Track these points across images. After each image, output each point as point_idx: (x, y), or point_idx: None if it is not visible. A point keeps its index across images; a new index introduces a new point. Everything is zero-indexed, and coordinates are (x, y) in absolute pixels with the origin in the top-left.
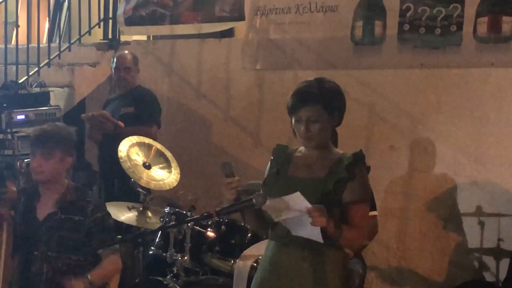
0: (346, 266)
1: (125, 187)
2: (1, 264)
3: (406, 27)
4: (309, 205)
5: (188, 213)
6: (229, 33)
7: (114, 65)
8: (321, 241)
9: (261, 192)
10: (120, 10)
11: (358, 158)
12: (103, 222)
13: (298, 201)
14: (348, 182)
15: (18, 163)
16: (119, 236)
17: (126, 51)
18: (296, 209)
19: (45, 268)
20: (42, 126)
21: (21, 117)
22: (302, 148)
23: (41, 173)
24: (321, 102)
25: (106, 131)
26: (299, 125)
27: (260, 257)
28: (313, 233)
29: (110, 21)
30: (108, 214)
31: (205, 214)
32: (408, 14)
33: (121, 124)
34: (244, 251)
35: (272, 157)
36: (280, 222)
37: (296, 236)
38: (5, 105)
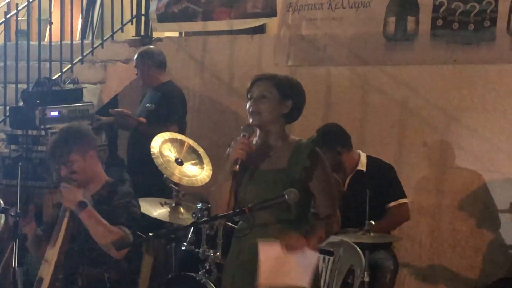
0: None
1: (152, 182)
2: (57, 249)
3: (439, 22)
4: (278, 244)
5: None
6: (260, 29)
7: None
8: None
9: (292, 189)
10: (152, 7)
11: (317, 145)
12: (125, 209)
13: (269, 250)
14: (312, 170)
15: None
16: (150, 233)
17: (137, 51)
18: (275, 257)
19: (80, 262)
20: (52, 139)
21: (54, 113)
22: (256, 139)
23: (75, 179)
24: (272, 79)
25: (130, 127)
26: (249, 103)
27: None
28: (310, 260)
29: (143, 17)
30: (133, 204)
31: (238, 210)
32: (441, 10)
33: (142, 120)
34: None
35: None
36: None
37: (259, 226)
38: (38, 101)
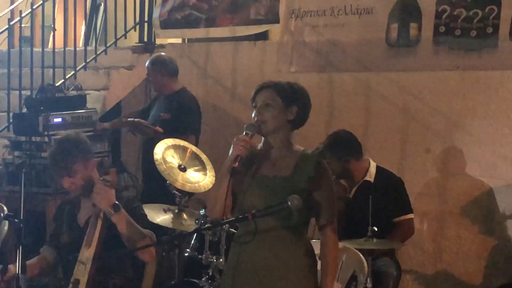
0: (311, 253)
1: (166, 189)
2: (92, 250)
3: (442, 29)
4: None
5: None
6: (263, 36)
7: None
8: None
9: (295, 195)
10: (155, 13)
11: (323, 156)
12: (137, 214)
13: None
14: (316, 181)
15: None
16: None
17: (149, 59)
18: None
19: None
20: (52, 150)
21: (58, 120)
22: (260, 145)
23: (76, 188)
24: (275, 87)
25: (147, 135)
26: (254, 112)
27: None
28: None
29: (146, 24)
30: (141, 208)
31: (241, 216)
32: (444, 16)
33: (160, 129)
34: None
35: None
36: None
37: (261, 233)
38: (42, 108)
